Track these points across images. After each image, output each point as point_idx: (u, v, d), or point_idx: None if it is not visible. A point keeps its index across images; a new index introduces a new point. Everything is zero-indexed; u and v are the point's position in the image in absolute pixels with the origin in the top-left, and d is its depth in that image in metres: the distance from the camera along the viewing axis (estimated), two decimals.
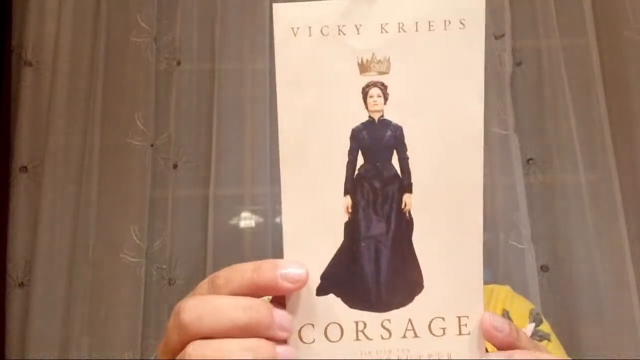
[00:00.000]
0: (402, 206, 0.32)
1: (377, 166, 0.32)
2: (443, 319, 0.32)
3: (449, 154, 0.32)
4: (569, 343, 1.16)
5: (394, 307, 0.32)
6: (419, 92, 0.31)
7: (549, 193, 1.25)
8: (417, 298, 0.32)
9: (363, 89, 0.31)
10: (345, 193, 0.32)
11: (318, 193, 0.32)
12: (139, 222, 1.20)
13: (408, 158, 0.32)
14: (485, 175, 1.18)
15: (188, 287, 1.29)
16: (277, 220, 1.24)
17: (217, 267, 0.32)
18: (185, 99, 1.27)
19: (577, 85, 1.26)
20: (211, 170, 1.23)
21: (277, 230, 1.24)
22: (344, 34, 0.31)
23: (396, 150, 0.32)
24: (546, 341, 0.70)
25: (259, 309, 0.29)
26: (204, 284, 0.31)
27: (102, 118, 1.23)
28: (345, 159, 0.32)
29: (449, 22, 0.31)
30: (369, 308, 0.32)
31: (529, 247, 1.19)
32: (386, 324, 0.32)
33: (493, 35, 1.28)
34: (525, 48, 1.30)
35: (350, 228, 0.32)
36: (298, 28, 0.31)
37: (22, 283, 1.20)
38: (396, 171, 0.32)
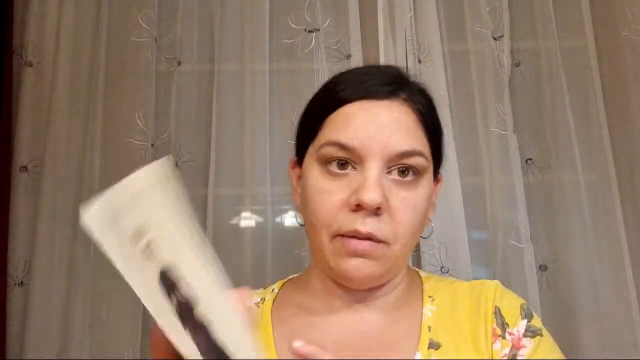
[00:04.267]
0: None
1: None
2: None
3: None
4: (568, 342, 1.16)
5: None
6: None
7: (548, 193, 1.25)
8: None
9: None
10: None
11: None
12: None
13: None
14: (484, 175, 1.18)
15: None
16: (277, 220, 1.24)
17: None
18: (185, 99, 1.27)
19: (576, 86, 1.27)
20: (211, 170, 1.23)
21: (277, 230, 1.24)
22: None
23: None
24: (539, 336, 0.69)
25: None
26: None
27: (103, 118, 1.24)
28: None
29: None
30: None
31: (528, 247, 1.20)
32: None
33: (492, 36, 1.28)
34: (524, 49, 1.31)
35: None
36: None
37: (21, 282, 1.20)
38: None
